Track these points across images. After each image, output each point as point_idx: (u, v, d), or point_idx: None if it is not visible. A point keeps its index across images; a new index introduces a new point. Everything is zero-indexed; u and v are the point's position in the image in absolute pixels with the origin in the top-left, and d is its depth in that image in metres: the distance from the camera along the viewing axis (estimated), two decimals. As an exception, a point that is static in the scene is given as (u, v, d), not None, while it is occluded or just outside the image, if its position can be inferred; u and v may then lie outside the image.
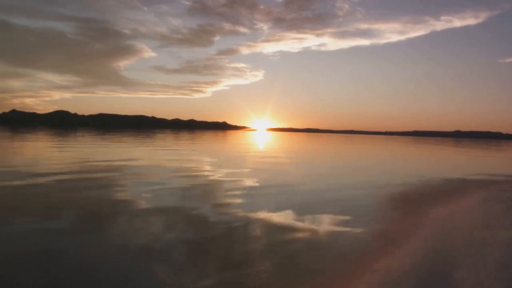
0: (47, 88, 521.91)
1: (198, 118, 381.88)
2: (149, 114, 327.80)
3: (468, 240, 7.87)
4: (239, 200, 11.25)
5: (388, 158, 35.86)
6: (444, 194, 13.95)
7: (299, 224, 8.62)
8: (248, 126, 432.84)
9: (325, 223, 8.81)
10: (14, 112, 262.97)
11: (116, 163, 20.59)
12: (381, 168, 25.15)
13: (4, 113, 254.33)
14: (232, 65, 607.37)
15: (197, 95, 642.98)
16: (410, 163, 31.53)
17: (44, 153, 25.71)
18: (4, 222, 8.09)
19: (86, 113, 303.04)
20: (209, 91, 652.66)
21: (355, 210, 10.35)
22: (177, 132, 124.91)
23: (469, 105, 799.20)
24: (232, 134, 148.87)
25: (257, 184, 14.70)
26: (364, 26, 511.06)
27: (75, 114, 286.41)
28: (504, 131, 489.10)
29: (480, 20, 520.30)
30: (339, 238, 7.66)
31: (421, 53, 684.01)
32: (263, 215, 9.37)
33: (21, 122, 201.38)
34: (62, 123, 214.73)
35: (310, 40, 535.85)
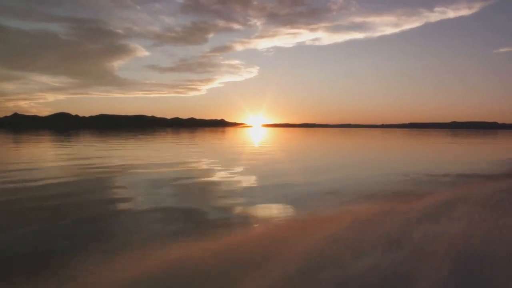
0: (41, 90, 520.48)
1: (196, 116, 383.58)
2: (146, 113, 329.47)
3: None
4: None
5: (425, 150, 37.78)
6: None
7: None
8: (245, 123, 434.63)
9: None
10: (16, 115, 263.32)
11: (195, 164, 22.62)
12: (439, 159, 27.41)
13: (6, 117, 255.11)
14: (227, 62, 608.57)
15: (192, 93, 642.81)
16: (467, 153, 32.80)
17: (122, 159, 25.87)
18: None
19: (82, 114, 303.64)
20: (204, 88, 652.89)
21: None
22: (179, 130, 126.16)
23: (464, 95, 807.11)
24: (233, 131, 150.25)
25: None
26: (358, 19, 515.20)
27: (76, 116, 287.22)
28: (499, 120, 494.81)
29: (474, 10, 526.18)
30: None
31: (416, 45, 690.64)
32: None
33: (23, 125, 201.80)
34: (65, 125, 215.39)
35: (304, 35, 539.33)
